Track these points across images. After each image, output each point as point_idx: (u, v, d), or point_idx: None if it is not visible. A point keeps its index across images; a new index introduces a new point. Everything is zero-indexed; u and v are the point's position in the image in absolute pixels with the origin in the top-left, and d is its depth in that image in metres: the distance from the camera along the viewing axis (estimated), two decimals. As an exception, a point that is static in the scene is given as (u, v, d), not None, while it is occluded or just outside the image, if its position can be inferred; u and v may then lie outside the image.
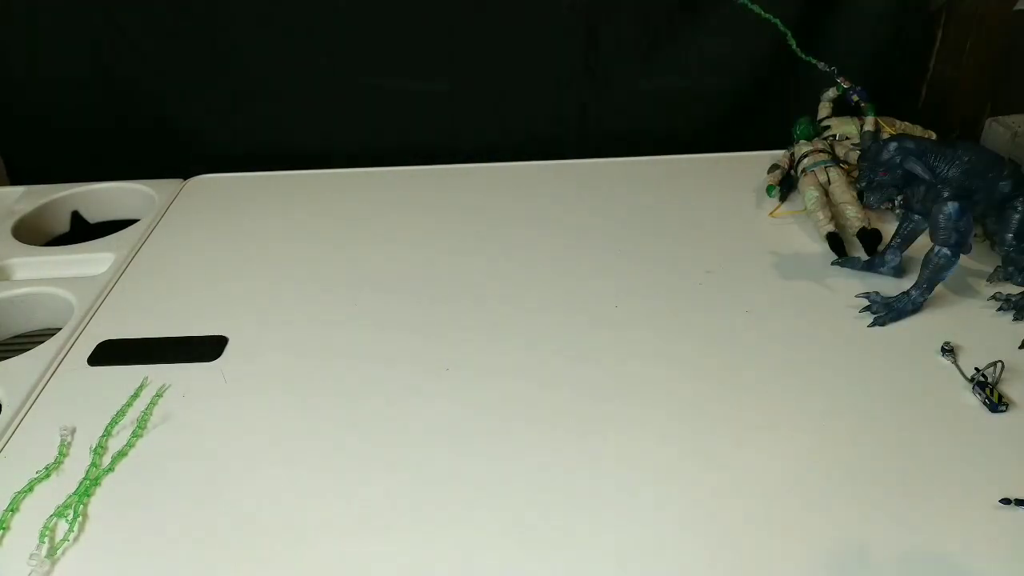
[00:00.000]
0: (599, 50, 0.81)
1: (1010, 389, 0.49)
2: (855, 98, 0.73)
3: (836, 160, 0.71)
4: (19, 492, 0.43)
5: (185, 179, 0.80)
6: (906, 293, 0.56)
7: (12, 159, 0.87)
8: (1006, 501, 0.41)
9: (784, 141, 0.76)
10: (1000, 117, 0.71)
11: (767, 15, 0.75)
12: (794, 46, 0.75)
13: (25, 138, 0.86)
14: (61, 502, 0.43)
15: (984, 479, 0.43)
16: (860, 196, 0.66)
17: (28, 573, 0.39)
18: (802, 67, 0.75)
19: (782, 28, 0.75)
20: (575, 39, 0.80)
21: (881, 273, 0.61)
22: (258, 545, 0.40)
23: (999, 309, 0.56)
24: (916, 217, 0.59)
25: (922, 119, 0.77)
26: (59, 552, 0.40)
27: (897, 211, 0.65)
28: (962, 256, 0.55)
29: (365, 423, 0.48)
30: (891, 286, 0.59)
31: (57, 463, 0.45)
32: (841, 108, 0.76)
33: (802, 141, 0.73)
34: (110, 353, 0.55)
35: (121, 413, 0.49)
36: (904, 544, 0.39)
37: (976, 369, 0.49)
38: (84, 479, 0.44)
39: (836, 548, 0.39)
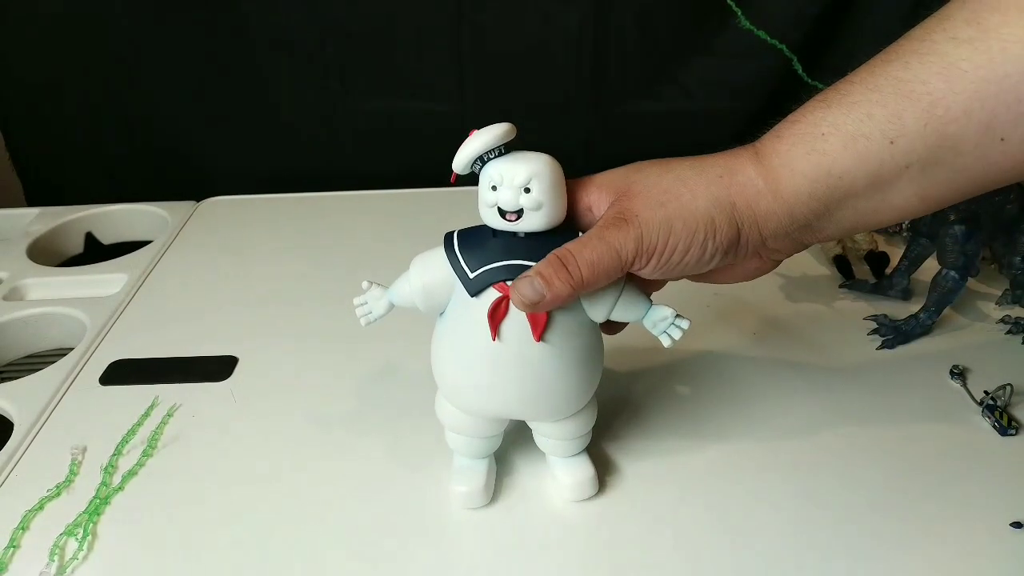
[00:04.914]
0: (604, 74, 0.82)
1: (1020, 412, 0.49)
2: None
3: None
4: (30, 510, 0.44)
5: (198, 201, 0.81)
6: (914, 316, 0.56)
7: (29, 181, 0.88)
8: (1017, 525, 0.41)
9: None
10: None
11: (772, 40, 0.76)
12: (800, 71, 0.76)
13: (41, 161, 0.87)
14: (71, 520, 0.43)
15: (995, 503, 0.42)
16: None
17: (38, 591, 0.39)
18: (808, 91, 0.76)
19: (787, 53, 0.76)
20: (581, 63, 0.81)
21: (889, 296, 0.61)
22: (269, 566, 0.40)
23: (1008, 332, 0.56)
24: (923, 240, 0.59)
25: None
26: (68, 570, 0.40)
27: (904, 234, 0.65)
28: (970, 279, 0.55)
29: (377, 443, 0.48)
30: (899, 309, 0.59)
31: (68, 481, 0.46)
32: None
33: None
34: (122, 373, 0.56)
35: (132, 432, 0.49)
36: (913, 569, 0.39)
37: (985, 392, 0.49)
38: (94, 498, 0.44)
39: (844, 573, 0.39)
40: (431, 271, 0.39)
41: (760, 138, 0.39)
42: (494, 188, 0.37)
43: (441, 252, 0.39)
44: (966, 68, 0.32)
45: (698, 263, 0.38)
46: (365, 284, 0.42)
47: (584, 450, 0.44)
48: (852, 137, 0.35)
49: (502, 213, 0.37)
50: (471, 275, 0.38)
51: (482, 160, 0.37)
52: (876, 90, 0.35)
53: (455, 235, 0.40)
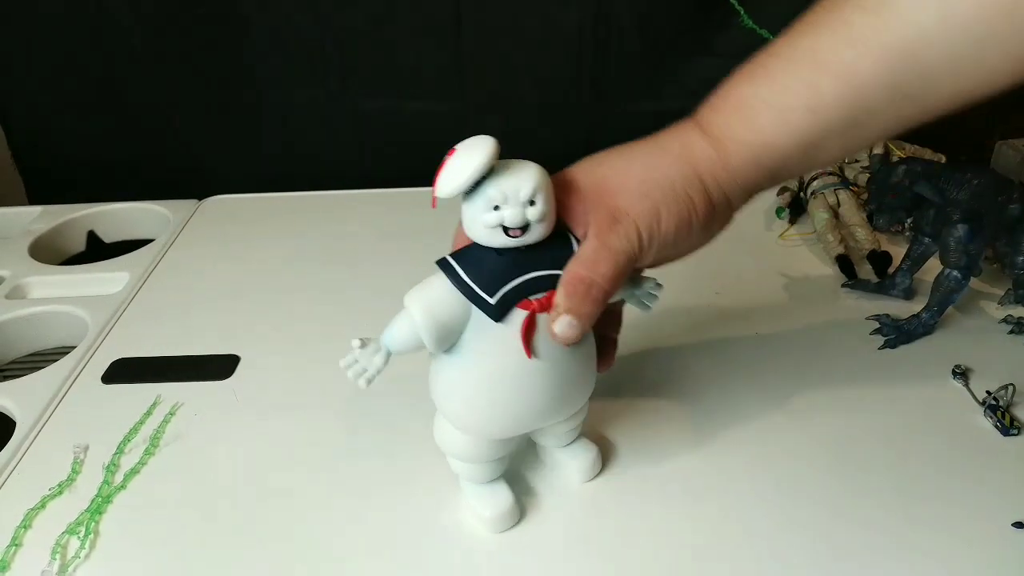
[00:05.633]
0: (606, 73, 0.82)
1: (1023, 413, 0.48)
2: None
3: (846, 182, 0.71)
4: (32, 509, 0.44)
5: (200, 200, 0.81)
6: (917, 316, 0.56)
7: (31, 179, 0.88)
8: (1019, 525, 0.41)
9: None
10: (1010, 140, 0.71)
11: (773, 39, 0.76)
12: (802, 70, 0.76)
13: (43, 159, 0.88)
14: (73, 519, 0.43)
15: (997, 503, 0.42)
16: (870, 218, 0.67)
17: (40, 590, 0.39)
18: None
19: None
20: (582, 62, 0.81)
21: (892, 295, 0.61)
22: (271, 565, 0.41)
23: (1010, 332, 0.56)
24: (926, 240, 0.59)
25: (932, 142, 0.77)
26: (70, 569, 0.40)
27: (907, 233, 0.65)
28: (972, 279, 0.55)
29: (381, 442, 0.48)
30: (902, 309, 0.59)
31: (70, 480, 0.46)
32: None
33: (811, 164, 0.74)
34: (124, 371, 0.56)
35: (134, 431, 0.49)
36: (915, 569, 0.39)
37: (988, 392, 0.49)
38: (96, 496, 0.44)
39: (843, 573, 0.39)
40: (440, 306, 0.36)
41: (697, 111, 0.41)
42: (495, 207, 0.35)
43: (442, 282, 0.36)
44: (870, 35, 0.35)
45: (687, 241, 0.40)
46: (356, 343, 0.37)
47: (581, 434, 0.45)
48: (779, 110, 0.38)
49: (505, 230, 0.35)
50: (492, 300, 0.36)
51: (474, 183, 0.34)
52: (793, 62, 0.38)
53: (452, 261, 0.37)
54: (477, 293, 0.36)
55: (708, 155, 0.39)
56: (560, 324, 0.36)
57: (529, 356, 0.37)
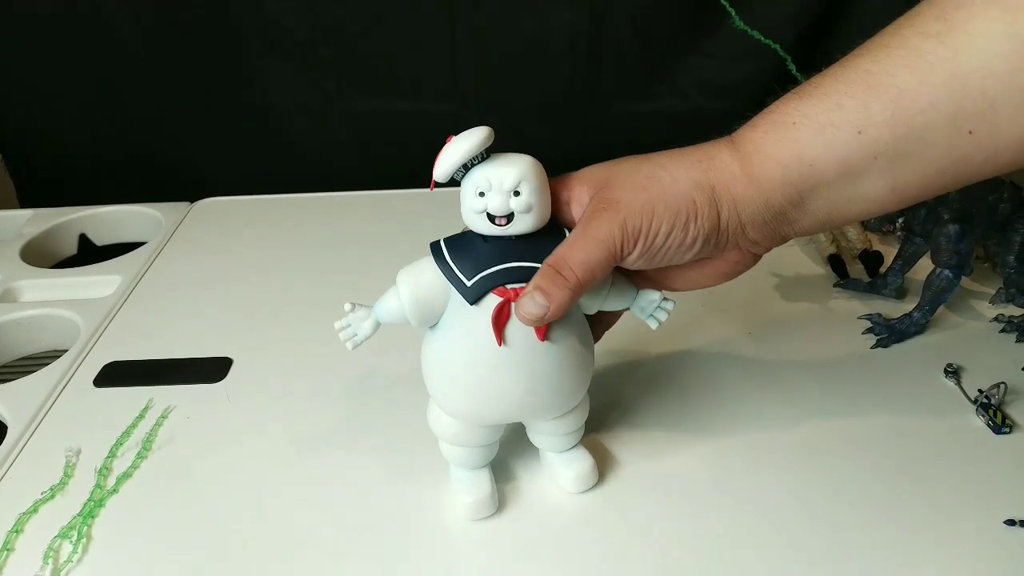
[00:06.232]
0: (600, 74, 0.82)
1: (1014, 411, 0.49)
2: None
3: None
4: (24, 513, 0.43)
5: (192, 202, 0.81)
6: (908, 315, 0.56)
7: (22, 182, 0.88)
8: (1011, 522, 0.41)
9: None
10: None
11: (767, 40, 0.76)
12: (794, 71, 0.76)
13: (35, 162, 0.87)
14: (65, 523, 0.43)
15: (988, 501, 0.43)
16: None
17: (32, 594, 0.39)
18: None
19: (782, 54, 0.76)
20: (576, 62, 0.81)
21: (883, 295, 0.61)
22: (263, 569, 0.40)
23: (1002, 330, 0.57)
24: (917, 239, 0.59)
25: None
26: (63, 573, 0.40)
27: (898, 233, 0.66)
28: (964, 277, 0.55)
29: (374, 444, 0.48)
30: (893, 308, 0.59)
31: (62, 484, 0.46)
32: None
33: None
34: (116, 374, 0.55)
35: (126, 434, 0.49)
36: (907, 567, 0.39)
37: (979, 390, 0.49)
38: (89, 500, 0.44)
39: (837, 572, 0.39)
40: (423, 283, 0.38)
41: (736, 130, 0.40)
42: (481, 194, 0.36)
43: (430, 263, 0.38)
44: (933, 61, 0.33)
45: (681, 247, 0.38)
46: (348, 306, 0.40)
47: (579, 442, 0.45)
48: (822, 126, 0.36)
49: (491, 218, 0.37)
50: (468, 283, 0.37)
51: (465, 167, 0.36)
52: (846, 82, 0.36)
53: (442, 244, 0.39)
54: (456, 274, 0.38)
55: (730, 169, 0.38)
56: (525, 300, 0.36)
57: (499, 343, 0.37)
